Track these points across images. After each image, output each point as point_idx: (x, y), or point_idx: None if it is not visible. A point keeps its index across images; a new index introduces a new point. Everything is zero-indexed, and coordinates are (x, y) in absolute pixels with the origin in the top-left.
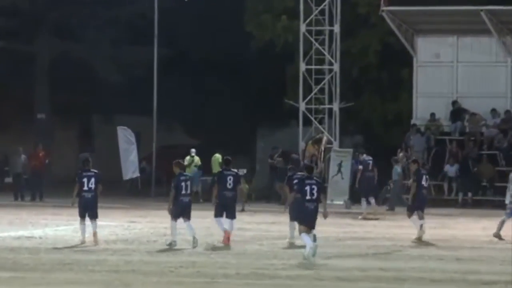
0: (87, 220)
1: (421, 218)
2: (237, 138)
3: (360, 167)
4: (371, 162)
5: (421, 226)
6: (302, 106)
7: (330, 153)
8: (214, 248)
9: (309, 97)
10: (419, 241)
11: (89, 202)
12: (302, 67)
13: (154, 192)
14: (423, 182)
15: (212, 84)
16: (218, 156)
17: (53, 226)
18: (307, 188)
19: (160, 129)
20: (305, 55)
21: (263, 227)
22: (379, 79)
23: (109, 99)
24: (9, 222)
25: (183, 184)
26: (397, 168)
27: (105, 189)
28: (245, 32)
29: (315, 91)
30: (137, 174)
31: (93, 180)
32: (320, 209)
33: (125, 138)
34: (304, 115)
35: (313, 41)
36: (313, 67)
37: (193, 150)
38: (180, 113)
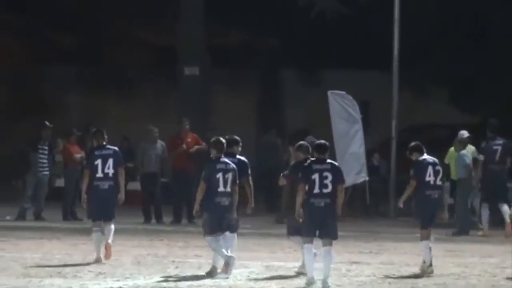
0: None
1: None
2: None
3: (481, 157)
4: (499, 148)
5: (425, 261)
6: None
7: None
8: None
9: None
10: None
11: (105, 195)
12: None
13: (395, 211)
14: (429, 178)
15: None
16: None
17: None
18: (315, 176)
19: (405, 96)
20: None
21: None
22: None
23: (312, 41)
24: (136, 261)
25: (219, 175)
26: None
27: None
28: None
29: None
30: (364, 177)
31: (110, 162)
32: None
33: (342, 111)
34: None
35: None
36: None
37: (463, 133)
38: (440, 68)
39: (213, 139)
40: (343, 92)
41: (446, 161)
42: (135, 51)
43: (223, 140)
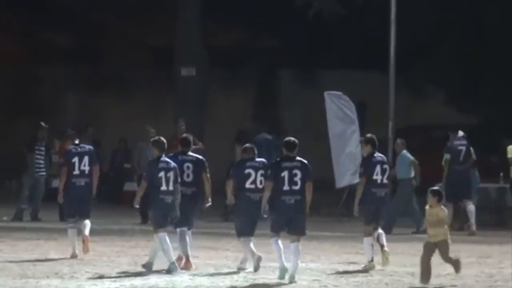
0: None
1: (376, 230)
2: None
3: (448, 156)
4: (463, 148)
5: (382, 246)
6: None
7: None
8: None
9: None
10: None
11: (81, 192)
12: None
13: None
14: (376, 176)
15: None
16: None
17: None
18: (285, 174)
19: (402, 96)
20: None
21: None
22: None
23: (309, 42)
24: (133, 261)
25: (162, 174)
26: (407, 156)
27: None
28: None
29: None
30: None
31: (86, 159)
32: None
33: (339, 112)
34: None
35: None
36: None
37: (460, 133)
38: (437, 68)
39: (154, 138)
40: (339, 93)
41: (444, 163)
42: (132, 52)
43: (164, 140)
